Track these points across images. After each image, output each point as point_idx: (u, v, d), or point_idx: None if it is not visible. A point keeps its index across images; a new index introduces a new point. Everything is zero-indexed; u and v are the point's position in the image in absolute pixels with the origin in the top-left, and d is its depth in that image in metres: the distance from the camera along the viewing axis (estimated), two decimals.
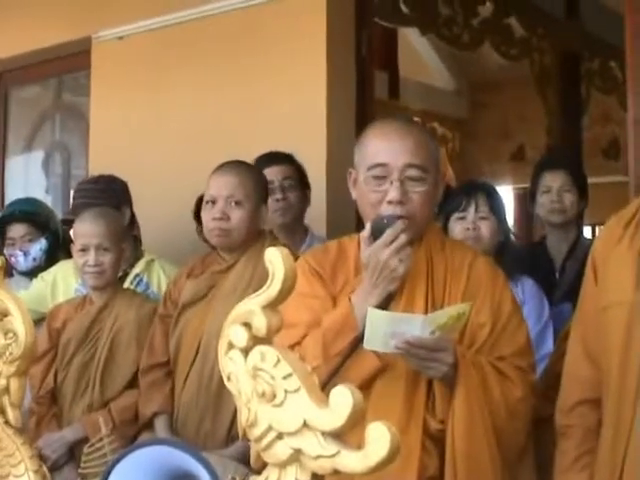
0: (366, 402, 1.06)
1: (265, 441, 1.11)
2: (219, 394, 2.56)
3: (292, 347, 1.95)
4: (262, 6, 4.01)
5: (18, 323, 1.47)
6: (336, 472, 1.06)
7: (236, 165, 2.79)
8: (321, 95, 3.79)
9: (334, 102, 3.82)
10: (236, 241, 2.72)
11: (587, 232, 5.87)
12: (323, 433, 1.05)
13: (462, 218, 2.94)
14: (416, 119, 6.04)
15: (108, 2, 4.59)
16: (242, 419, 1.14)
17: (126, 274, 3.27)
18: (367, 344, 1.90)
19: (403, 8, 4.80)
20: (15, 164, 5.48)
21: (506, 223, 3.03)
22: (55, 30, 4.82)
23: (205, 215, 2.74)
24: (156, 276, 3.32)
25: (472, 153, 7.80)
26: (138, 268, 3.32)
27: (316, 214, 3.55)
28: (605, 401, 1.78)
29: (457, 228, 2.94)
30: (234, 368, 1.15)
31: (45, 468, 1.53)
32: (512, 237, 3.08)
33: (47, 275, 3.46)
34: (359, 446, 1.03)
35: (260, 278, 2.44)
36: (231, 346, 1.15)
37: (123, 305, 2.96)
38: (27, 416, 2.81)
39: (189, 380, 2.68)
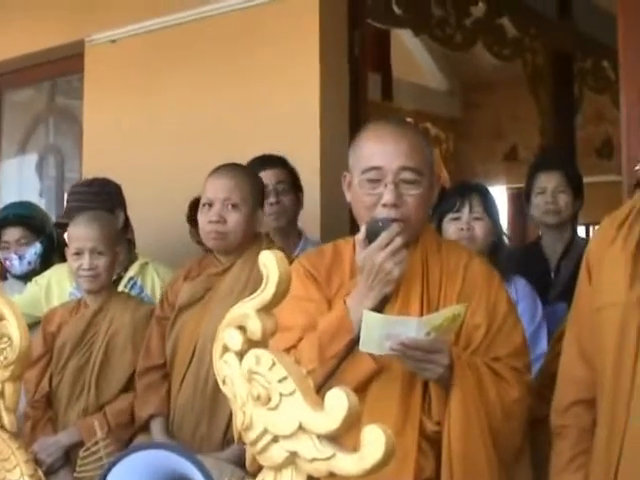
0: (362, 404, 1.06)
1: (260, 444, 1.11)
2: (215, 397, 2.55)
3: (287, 350, 1.94)
4: (254, 8, 4.00)
5: (13, 327, 1.46)
6: (332, 475, 1.06)
7: (233, 168, 2.79)
8: (314, 96, 3.79)
9: (327, 103, 3.81)
10: (232, 244, 2.72)
11: (581, 232, 5.88)
12: (318, 436, 1.05)
13: (456, 219, 2.94)
14: (409, 120, 6.04)
15: (101, 5, 4.58)
16: (237, 422, 1.14)
17: (120, 277, 3.26)
18: (363, 347, 1.90)
19: (396, 9, 4.80)
20: (9, 167, 5.47)
21: (499, 224, 3.04)
22: (48, 33, 4.81)
23: (201, 218, 2.73)
24: (150, 279, 3.31)
25: (465, 153, 7.80)
26: (132, 271, 3.31)
27: (310, 217, 3.54)
28: (599, 401, 1.78)
29: (451, 228, 2.94)
30: (229, 371, 1.15)
31: (40, 472, 1.52)
32: (505, 239, 3.08)
33: (41, 279, 3.45)
34: (355, 449, 1.02)
35: (256, 281, 2.41)
36: (226, 349, 1.15)
37: (118, 308, 2.96)
38: (22, 420, 2.80)
39: (185, 383, 2.68)
